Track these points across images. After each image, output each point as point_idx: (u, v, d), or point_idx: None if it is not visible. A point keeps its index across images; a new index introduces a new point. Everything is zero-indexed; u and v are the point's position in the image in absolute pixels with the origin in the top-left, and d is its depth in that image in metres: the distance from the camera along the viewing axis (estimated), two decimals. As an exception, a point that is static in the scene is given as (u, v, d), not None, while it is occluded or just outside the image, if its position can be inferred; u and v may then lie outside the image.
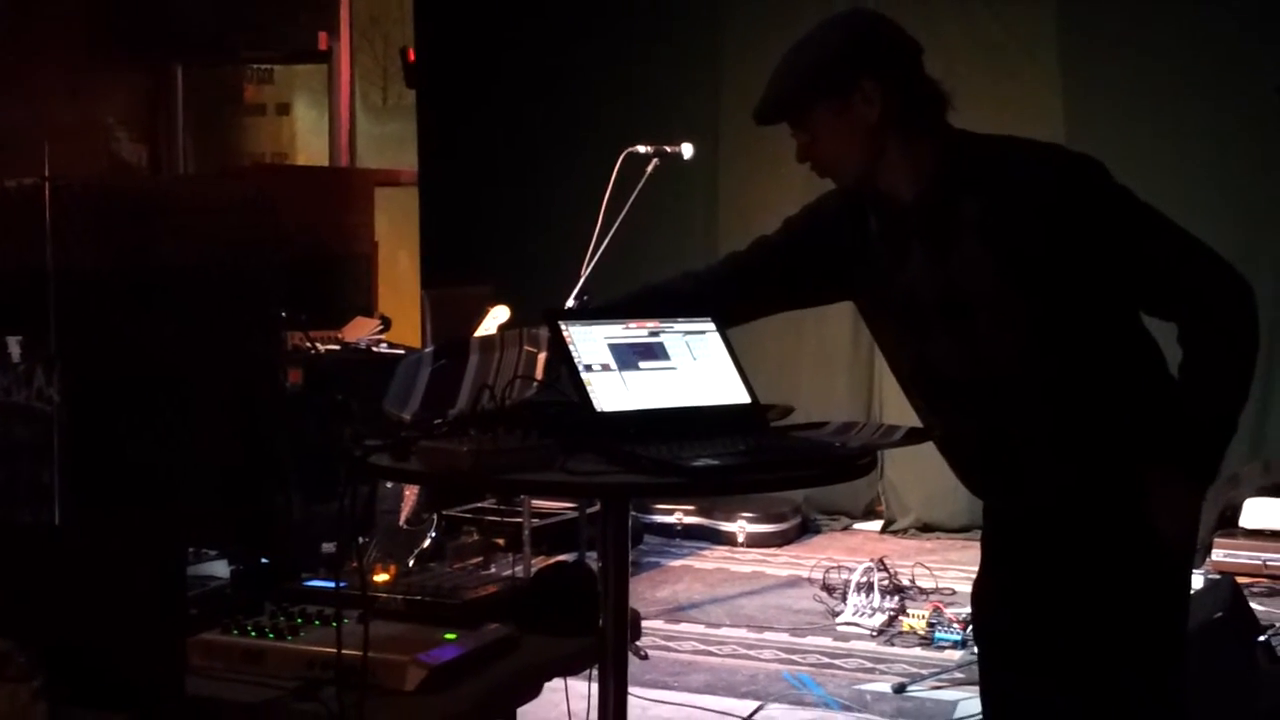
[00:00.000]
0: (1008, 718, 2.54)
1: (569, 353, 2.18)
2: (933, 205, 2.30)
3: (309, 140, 9.76)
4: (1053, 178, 2.26)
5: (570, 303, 4.58)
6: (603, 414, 2.13)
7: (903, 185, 2.31)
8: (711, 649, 4.94)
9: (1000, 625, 2.54)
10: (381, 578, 2.50)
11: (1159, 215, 2.28)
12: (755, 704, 4.33)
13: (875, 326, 2.52)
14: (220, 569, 2.57)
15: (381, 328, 6.20)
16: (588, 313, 2.32)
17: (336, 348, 5.95)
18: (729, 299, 2.45)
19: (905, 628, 4.98)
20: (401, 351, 5.93)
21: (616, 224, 4.86)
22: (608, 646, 2.27)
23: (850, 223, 2.40)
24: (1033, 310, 2.27)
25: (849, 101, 2.27)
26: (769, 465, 2.15)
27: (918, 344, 2.40)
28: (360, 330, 6.14)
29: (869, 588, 5.21)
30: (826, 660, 4.79)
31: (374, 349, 6.04)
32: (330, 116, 9.25)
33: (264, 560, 2.61)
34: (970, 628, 4.23)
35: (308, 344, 5.69)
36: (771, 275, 2.51)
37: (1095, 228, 2.23)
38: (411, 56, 7.81)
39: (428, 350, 2.43)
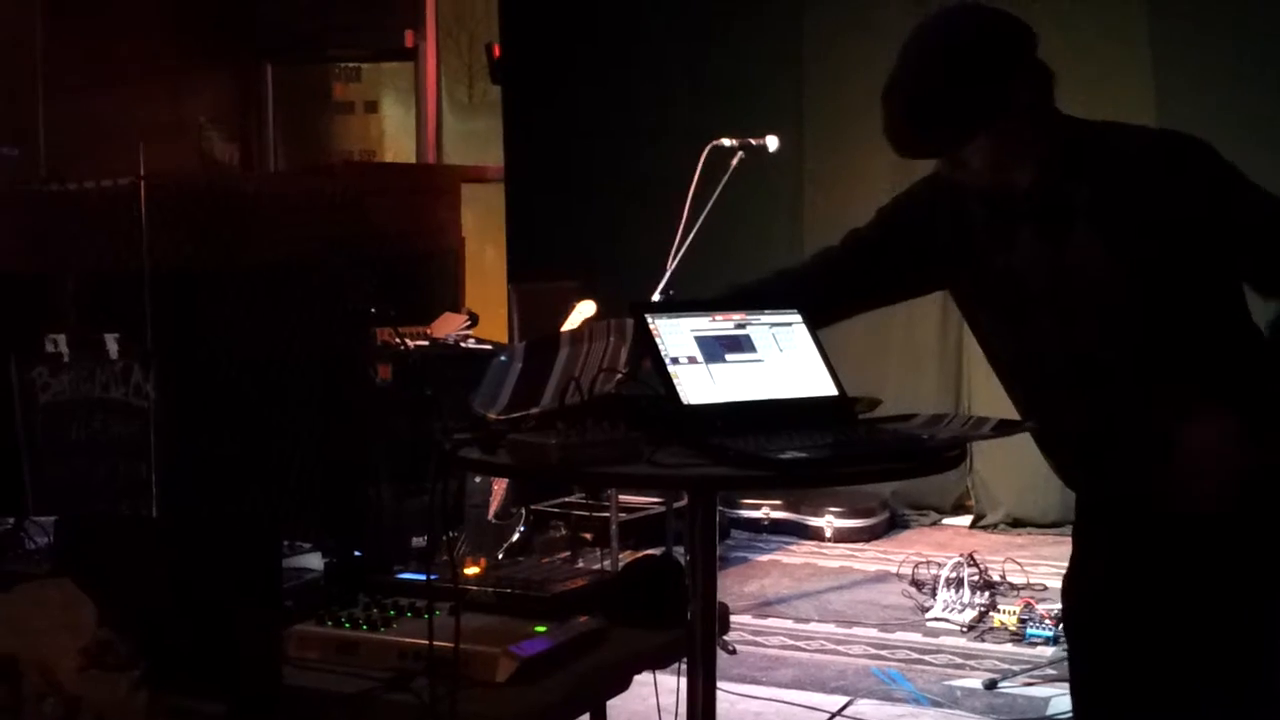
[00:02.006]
0: (1100, 715, 2.51)
1: (655, 345, 2.17)
2: (1047, 190, 2.27)
3: (396, 137, 9.87)
4: (1166, 160, 2.23)
5: (656, 296, 4.58)
6: (689, 407, 2.12)
7: (1016, 171, 2.29)
8: (800, 644, 4.93)
9: (1093, 621, 2.50)
10: (471, 571, 2.53)
11: (1269, 193, 2.24)
12: (844, 699, 4.31)
13: (973, 316, 2.48)
14: (314, 562, 2.61)
15: (469, 323, 6.24)
16: (674, 306, 2.31)
17: (425, 343, 6.00)
18: (826, 296, 2.42)
19: (996, 623, 4.93)
20: (489, 347, 5.97)
21: (702, 217, 4.85)
22: (696, 640, 2.26)
23: (945, 210, 2.37)
24: (1146, 295, 2.23)
25: (1007, 113, 2.22)
26: (857, 458, 2.12)
27: (1020, 332, 2.37)
28: (448, 326, 6.19)
29: (959, 583, 5.17)
30: (916, 656, 4.75)
31: (462, 344, 6.09)
32: (417, 113, 9.35)
33: (357, 553, 2.64)
34: (1062, 624, 4.18)
35: (397, 340, 5.75)
36: (868, 269, 2.48)
37: (1208, 207, 2.21)
38: (496, 53, 7.86)
39: (518, 348, 2.43)
